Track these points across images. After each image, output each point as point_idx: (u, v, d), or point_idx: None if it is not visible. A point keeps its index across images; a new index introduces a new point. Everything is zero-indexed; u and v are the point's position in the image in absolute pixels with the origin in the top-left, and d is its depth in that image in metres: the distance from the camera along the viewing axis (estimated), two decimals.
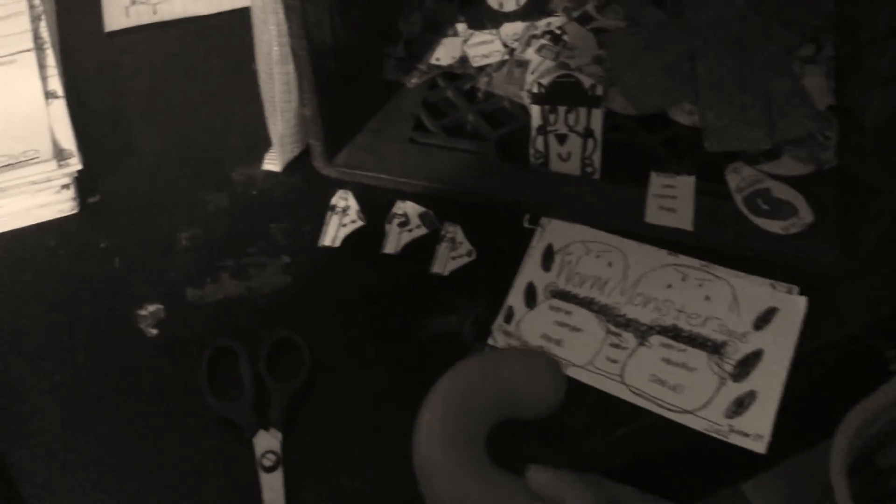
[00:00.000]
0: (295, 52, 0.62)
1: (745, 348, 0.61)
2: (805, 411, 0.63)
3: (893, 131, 0.64)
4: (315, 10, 0.61)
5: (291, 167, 0.71)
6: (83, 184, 0.69)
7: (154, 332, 0.62)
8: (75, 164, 0.66)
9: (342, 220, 0.69)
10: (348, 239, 0.68)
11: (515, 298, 0.64)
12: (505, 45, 0.77)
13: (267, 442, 0.56)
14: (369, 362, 0.62)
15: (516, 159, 0.71)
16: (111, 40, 0.80)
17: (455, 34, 0.78)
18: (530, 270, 0.66)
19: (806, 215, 0.66)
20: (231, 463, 0.56)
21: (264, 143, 0.71)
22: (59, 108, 0.69)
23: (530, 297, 0.64)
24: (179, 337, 0.62)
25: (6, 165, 0.64)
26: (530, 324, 0.63)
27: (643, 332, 0.62)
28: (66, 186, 0.67)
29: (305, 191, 0.70)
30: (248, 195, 0.70)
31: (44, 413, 0.59)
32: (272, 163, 0.72)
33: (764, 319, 0.62)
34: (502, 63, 0.76)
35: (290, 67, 0.64)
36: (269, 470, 0.55)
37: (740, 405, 0.58)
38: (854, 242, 0.64)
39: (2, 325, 0.63)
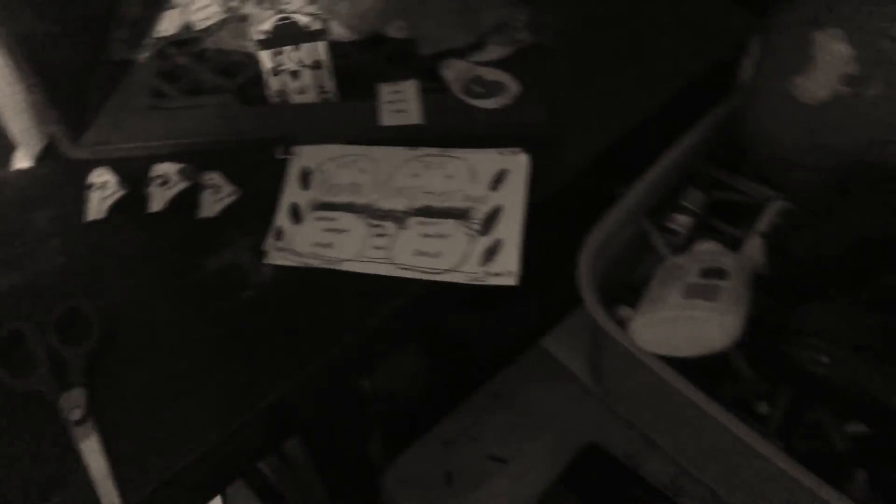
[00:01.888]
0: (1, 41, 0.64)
1: (486, 208, 0.70)
2: (556, 253, 0.73)
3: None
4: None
5: (43, 160, 0.73)
6: None
7: None
8: None
9: (103, 194, 0.71)
10: (115, 209, 0.70)
11: (282, 218, 0.70)
12: (224, 5, 0.82)
13: (72, 400, 0.58)
14: (162, 312, 0.65)
15: (259, 102, 0.76)
16: None
17: (174, 6, 0.82)
18: (291, 193, 0.71)
19: (514, 89, 0.76)
20: (46, 432, 0.58)
21: (9, 146, 0.73)
22: None
23: (295, 215, 0.70)
24: None
25: None
26: (300, 237, 0.69)
27: (401, 218, 0.70)
28: None
29: (62, 178, 0.72)
30: (2, 196, 0.71)
31: None
32: (21, 160, 0.73)
33: (497, 181, 0.71)
34: (224, 21, 0.81)
35: (5, 60, 0.66)
36: (80, 423, 0.57)
37: (491, 253, 0.67)
38: (557, 102, 0.74)
39: None
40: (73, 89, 0.72)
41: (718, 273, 0.61)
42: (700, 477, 0.77)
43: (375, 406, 0.87)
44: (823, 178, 0.61)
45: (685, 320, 0.61)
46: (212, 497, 0.63)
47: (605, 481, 0.84)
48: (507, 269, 0.66)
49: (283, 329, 0.63)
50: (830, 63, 0.62)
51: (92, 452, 0.56)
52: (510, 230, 0.68)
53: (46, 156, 0.73)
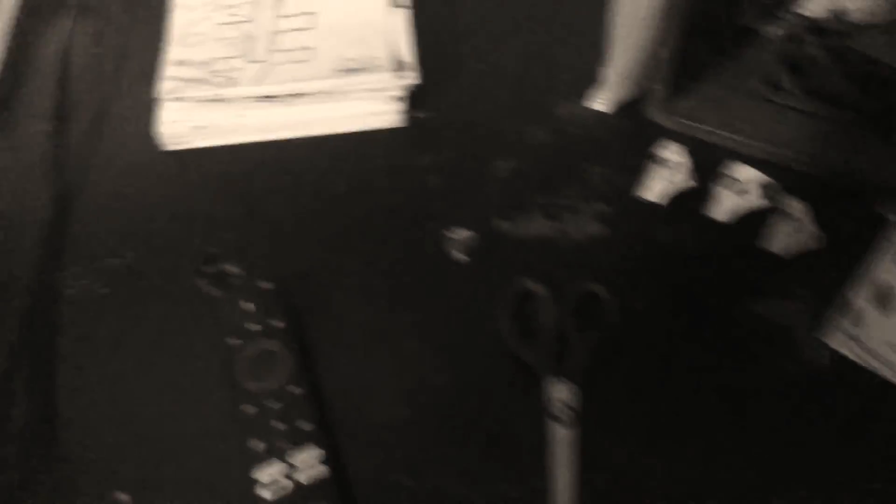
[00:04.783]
0: None
1: None
2: None
3: None
4: None
5: (620, 109, 0.66)
6: (413, 98, 0.69)
7: (463, 258, 0.61)
8: (411, 77, 0.66)
9: (672, 177, 0.62)
10: (674, 198, 0.62)
11: (864, 296, 0.55)
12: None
13: (559, 391, 0.53)
14: (677, 330, 0.56)
15: (889, 137, 0.60)
16: None
17: None
18: (888, 267, 0.56)
19: None
20: (519, 405, 0.54)
21: (593, 79, 0.67)
22: (403, 18, 0.69)
23: (883, 299, 0.54)
24: (485, 266, 0.60)
25: (351, 70, 0.66)
26: (880, 330, 0.53)
27: None
28: (398, 98, 0.67)
29: (631, 137, 0.65)
30: (569, 133, 0.66)
31: (349, 317, 0.59)
32: (601, 102, 0.67)
33: None
34: (893, 23, 0.64)
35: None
36: (558, 420, 0.52)
37: None
38: None
39: (315, 233, 0.62)
40: (690, 47, 0.63)
41: None
42: None
43: None
44: None
45: None
46: None
47: None
48: None
49: (819, 433, 0.50)
50: None
51: (561, 462, 0.50)
52: None
53: (625, 107, 0.66)
